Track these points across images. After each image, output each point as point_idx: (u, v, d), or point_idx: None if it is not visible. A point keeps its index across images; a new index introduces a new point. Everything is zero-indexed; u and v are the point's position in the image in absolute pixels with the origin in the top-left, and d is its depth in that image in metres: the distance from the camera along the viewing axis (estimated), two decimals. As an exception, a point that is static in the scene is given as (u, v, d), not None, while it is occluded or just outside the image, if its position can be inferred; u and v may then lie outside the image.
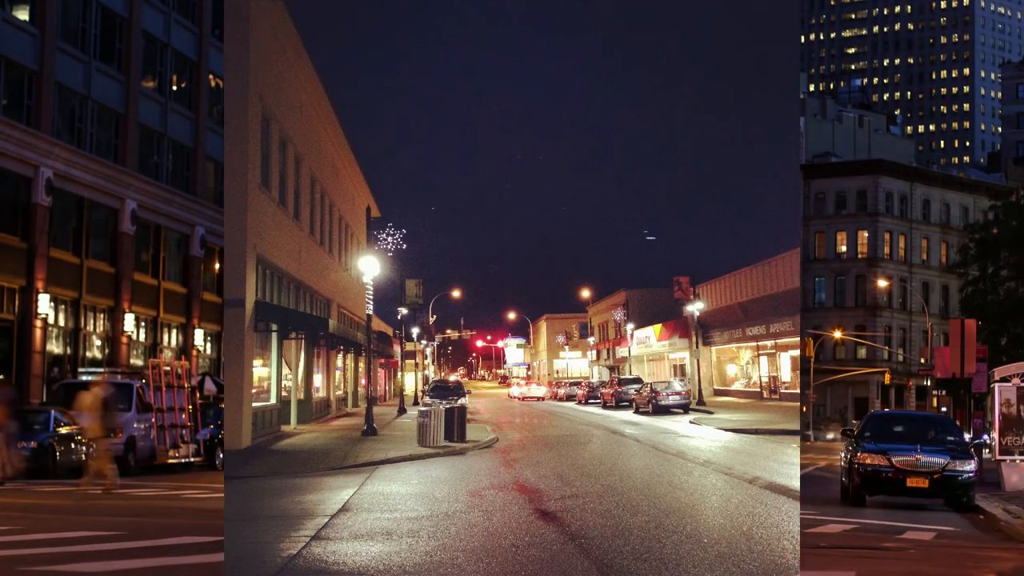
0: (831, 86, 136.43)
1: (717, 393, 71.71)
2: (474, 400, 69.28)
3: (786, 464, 22.23)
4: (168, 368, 30.42)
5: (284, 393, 35.37)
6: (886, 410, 59.70)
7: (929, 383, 64.81)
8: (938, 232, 75.66)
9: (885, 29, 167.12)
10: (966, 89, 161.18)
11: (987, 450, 29.76)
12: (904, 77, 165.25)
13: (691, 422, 40.03)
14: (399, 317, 66.49)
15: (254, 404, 29.28)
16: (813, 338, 61.65)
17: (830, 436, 51.91)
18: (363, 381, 55.50)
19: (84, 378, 32.51)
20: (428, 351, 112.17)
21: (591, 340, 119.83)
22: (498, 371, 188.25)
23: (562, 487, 18.39)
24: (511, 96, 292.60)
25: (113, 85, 41.56)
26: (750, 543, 12.22)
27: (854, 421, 51.34)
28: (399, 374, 67.55)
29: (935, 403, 64.92)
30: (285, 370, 35.61)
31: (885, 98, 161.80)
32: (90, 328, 40.09)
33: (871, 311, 72.87)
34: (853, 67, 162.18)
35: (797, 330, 59.62)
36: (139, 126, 42.80)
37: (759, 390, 66.27)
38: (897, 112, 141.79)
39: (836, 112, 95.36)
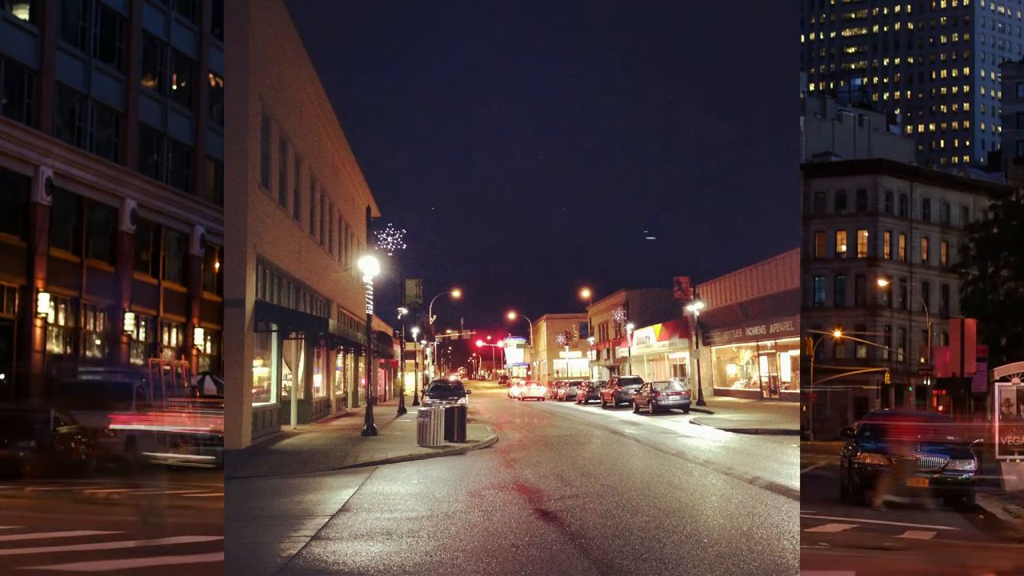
0: (831, 85, 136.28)
1: (717, 393, 71.72)
2: (474, 400, 69.30)
3: (786, 464, 22.23)
4: (168, 367, 30.42)
5: (284, 393, 35.36)
6: (886, 409, 59.66)
7: (929, 383, 64.77)
8: (938, 232, 75.64)
9: (885, 28, 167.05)
10: (966, 88, 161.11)
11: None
12: (904, 76, 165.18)
13: (691, 422, 40.03)
14: (399, 317, 66.46)
15: (254, 404, 29.28)
16: (813, 337, 61.63)
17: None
18: (363, 381, 55.51)
19: (84, 377, 32.56)
20: (428, 351, 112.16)
21: (591, 340, 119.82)
22: (498, 371, 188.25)
23: (562, 487, 18.39)
24: (511, 96, 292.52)
25: (113, 84, 41.55)
26: (750, 543, 12.22)
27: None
28: (399, 374, 67.53)
29: (935, 403, 64.90)
30: (285, 370, 35.59)
31: (885, 97, 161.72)
32: (90, 327, 40.07)
33: (871, 311, 72.85)
34: (853, 66, 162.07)
35: (797, 330, 59.61)
36: (139, 125, 42.78)
37: (759, 390, 66.27)
38: (897, 111, 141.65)
39: (836, 111, 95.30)
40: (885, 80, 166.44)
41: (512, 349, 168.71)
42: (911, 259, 74.75)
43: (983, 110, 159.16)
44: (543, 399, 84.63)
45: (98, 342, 40.70)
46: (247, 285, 28.20)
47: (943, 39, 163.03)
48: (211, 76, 48.49)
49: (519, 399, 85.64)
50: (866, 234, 74.14)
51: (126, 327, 41.41)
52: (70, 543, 12.42)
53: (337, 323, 38.65)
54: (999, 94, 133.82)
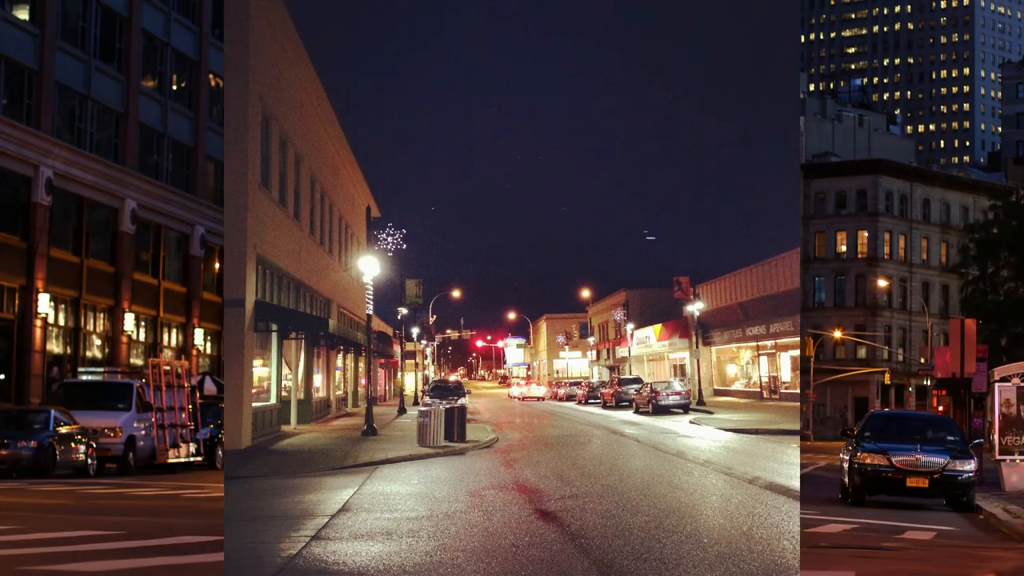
0: (831, 86, 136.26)
1: (717, 393, 71.70)
2: (474, 400, 69.28)
3: (786, 464, 22.23)
4: (168, 368, 30.40)
5: (284, 393, 35.36)
6: (886, 410, 59.65)
7: (929, 383, 64.79)
8: (938, 232, 75.63)
9: (885, 29, 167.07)
10: (966, 89, 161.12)
11: (987, 450, 29.74)
12: (904, 77, 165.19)
13: (691, 422, 40.03)
14: (399, 317, 66.47)
15: (254, 404, 29.28)
16: (813, 338, 61.63)
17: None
18: (363, 381, 55.50)
19: (84, 378, 32.56)
20: (428, 351, 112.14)
21: (591, 340, 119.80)
22: (498, 371, 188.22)
23: (562, 487, 18.38)
24: (511, 96, 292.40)
25: (113, 84, 41.56)
26: (750, 543, 12.21)
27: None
28: (399, 374, 67.54)
29: (935, 403, 64.90)
30: (285, 370, 35.60)
31: (885, 98, 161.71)
32: (90, 327, 40.08)
33: (871, 311, 72.84)
34: (853, 67, 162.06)
35: (797, 330, 59.60)
36: (139, 125, 42.80)
37: (759, 390, 66.26)
38: (897, 112, 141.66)
39: (836, 112, 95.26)
40: (885, 80, 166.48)
41: (512, 349, 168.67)
42: (911, 259, 74.74)
43: (983, 110, 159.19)
44: (543, 399, 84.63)
45: (98, 342, 40.70)
46: (247, 285, 28.20)
47: (943, 39, 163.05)
48: (211, 76, 48.50)
49: (519, 399, 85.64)
50: (866, 234, 74.13)
51: (126, 327, 41.42)
52: (70, 543, 12.42)
53: (337, 323, 38.65)
54: (999, 94, 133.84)
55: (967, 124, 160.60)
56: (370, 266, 34.23)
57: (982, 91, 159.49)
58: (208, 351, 47.93)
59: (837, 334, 68.78)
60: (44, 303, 35.99)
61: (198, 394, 32.66)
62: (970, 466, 19.85)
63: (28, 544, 12.30)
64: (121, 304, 41.10)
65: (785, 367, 65.31)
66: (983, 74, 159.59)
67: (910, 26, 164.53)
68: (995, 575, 13.06)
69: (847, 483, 20.74)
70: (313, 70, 37.40)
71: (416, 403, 60.95)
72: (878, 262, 73.17)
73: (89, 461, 25.99)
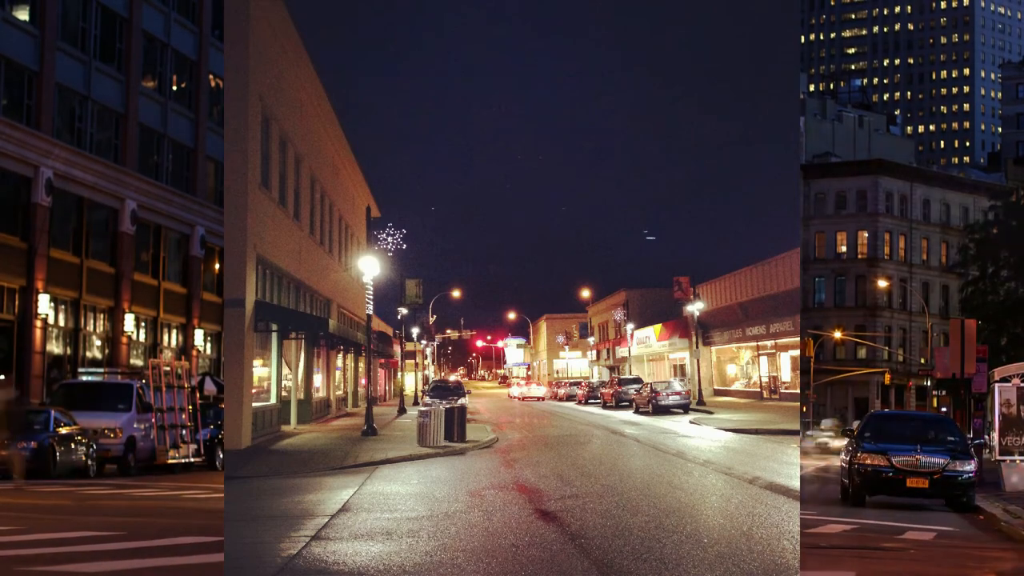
0: (831, 86, 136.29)
1: (717, 393, 71.70)
2: (474, 400, 69.27)
3: (786, 464, 22.23)
4: (168, 368, 30.40)
5: (284, 393, 35.37)
6: (886, 410, 59.64)
7: (929, 383, 64.79)
8: (938, 232, 75.66)
9: (885, 29, 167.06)
10: (966, 89, 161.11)
11: (987, 450, 29.75)
12: (904, 77, 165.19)
13: (691, 422, 40.04)
14: (399, 317, 66.49)
15: (254, 404, 29.28)
16: (813, 338, 61.63)
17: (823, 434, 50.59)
18: (363, 381, 55.51)
19: (84, 378, 32.56)
20: (428, 351, 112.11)
21: (591, 340, 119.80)
22: (498, 371, 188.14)
23: (562, 487, 18.39)
24: (511, 96, 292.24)
25: (113, 85, 41.55)
26: (750, 543, 12.22)
27: (855, 422, 51.11)
28: (399, 374, 67.55)
29: (935, 403, 64.92)
30: (285, 370, 35.60)
31: (885, 98, 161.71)
32: (90, 328, 40.07)
33: (871, 311, 72.86)
34: (853, 67, 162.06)
35: (797, 330, 59.61)
36: (139, 126, 42.79)
37: (759, 390, 66.27)
38: (897, 112, 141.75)
39: (836, 112, 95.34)
40: (885, 81, 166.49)
41: (512, 349, 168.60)
42: (911, 259, 74.77)
43: (983, 111, 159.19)
44: (543, 399, 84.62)
45: (98, 343, 40.69)
46: (247, 285, 28.21)
47: (943, 40, 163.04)
48: (211, 77, 48.50)
49: (519, 399, 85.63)
50: (866, 235, 74.18)
51: (126, 328, 41.41)
52: (70, 544, 12.42)
53: (337, 323, 38.65)
54: (999, 95, 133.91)
55: (967, 124, 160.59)
56: (370, 266, 34.24)
57: (982, 91, 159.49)
58: (208, 352, 47.93)
59: (837, 334, 68.80)
60: (44, 304, 35.99)
61: (198, 395, 32.66)
62: (970, 467, 19.86)
63: (28, 545, 12.30)
64: (121, 305, 41.10)
65: (785, 367, 65.32)
66: (983, 74, 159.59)
67: (910, 26, 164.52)
68: (995, 575, 13.07)
69: (847, 483, 20.74)
70: (313, 70, 37.41)
71: (416, 403, 60.96)
72: (878, 262, 73.19)
73: (89, 462, 25.99)
